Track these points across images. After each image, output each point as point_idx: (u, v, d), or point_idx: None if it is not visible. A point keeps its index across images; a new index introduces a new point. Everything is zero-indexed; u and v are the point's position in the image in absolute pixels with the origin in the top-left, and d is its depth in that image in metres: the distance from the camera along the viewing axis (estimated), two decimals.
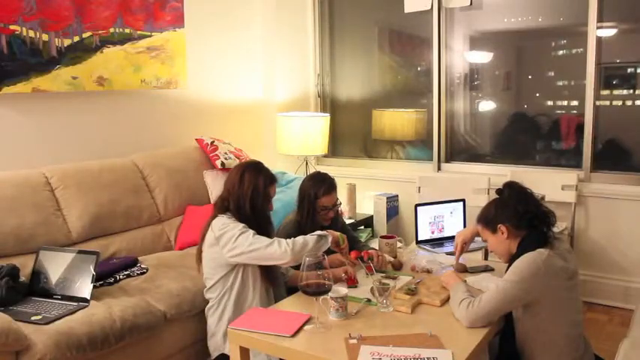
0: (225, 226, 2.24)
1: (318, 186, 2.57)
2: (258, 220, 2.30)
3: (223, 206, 2.34)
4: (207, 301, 2.43)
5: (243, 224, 2.23)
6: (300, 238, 2.20)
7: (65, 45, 3.11)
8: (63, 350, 2.08)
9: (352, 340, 1.86)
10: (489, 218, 2.10)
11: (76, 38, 3.16)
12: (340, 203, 2.69)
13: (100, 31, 3.27)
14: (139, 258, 2.94)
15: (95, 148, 3.34)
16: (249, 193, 2.29)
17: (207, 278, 2.37)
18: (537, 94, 3.94)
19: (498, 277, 2.15)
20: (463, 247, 2.41)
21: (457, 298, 2.03)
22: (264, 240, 2.18)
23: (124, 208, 3.09)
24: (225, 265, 2.28)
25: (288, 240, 2.18)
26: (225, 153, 3.64)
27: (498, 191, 2.13)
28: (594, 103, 3.52)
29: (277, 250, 2.16)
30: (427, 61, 4.16)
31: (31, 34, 2.95)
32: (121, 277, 2.69)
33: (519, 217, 2.02)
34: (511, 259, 2.04)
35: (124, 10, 3.38)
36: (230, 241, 2.21)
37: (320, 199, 2.56)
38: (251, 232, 2.21)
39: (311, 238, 2.21)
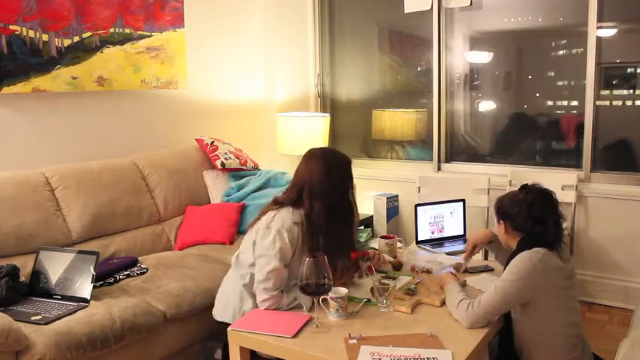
0: (267, 236, 2.14)
1: None
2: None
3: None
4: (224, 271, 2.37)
5: (281, 248, 2.11)
6: (283, 302, 2.12)
7: (65, 45, 3.11)
8: (63, 350, 2.08)
9: (352, 340, 1.86)
10: (499, 208, 2.13)
11: (76, 38, 3.16)
12: None
13: (100, 31, 3.27)
14: (139, 258, 2.94)
15: (95, 148, 3.34)
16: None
17: (245, 252, 2.28)
18: (537, 94, 3.94)
19: (498, 277, 2.15)
20: (473, 250, 2.41)
21: (454, 298, 2.03)
22: (267, 284, 2.11)
23: (124, 208, 3.09)
24: None
25: (271, 303, 2.11)
26: (225, 153, 3.64)
27: (520, 187, 2.13)
28: (594, 103, 3.52)
29: (258, 297, 2.13)
30: (427, 61, 4.16)
31: (31, 34, 2.95)
32: (120, 277, 2.69)
33: (521, 222, 2.04)
34: (509, 257, 2.05)
35: (124, 10, 3.38)
36: (258, 253, 2.16)
37: None
38: (272, 265, 2.11)
39: (289, 304, 2.13)
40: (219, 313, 2.35)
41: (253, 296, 2.23)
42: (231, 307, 2.28)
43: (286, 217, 2.15)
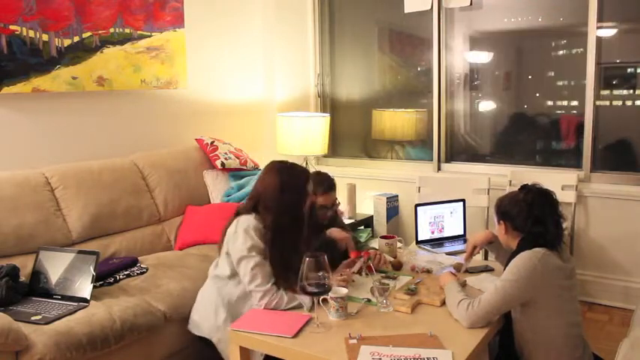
0: (237, 239, 2.21)
1: (317, 185, 2.57)
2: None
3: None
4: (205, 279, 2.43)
5: (253, 244, 2.18)
6: (284, 299, 2.14)
7: (65, 45, 3.11)
8: (63, 350, 2.08)
9: (352, 340, 1.86)
10: (499, 209, 2.13)
11: (76, 38, 3.16)
12: (339, 203, 2.69)
13: (100, 31, 3.27)
14: (139, 258, 2.94)
15: (95, 148, 3.34)
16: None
17: (221, 265, 2.34)
18: (537, 94, 3.94)
19: (498, 277, 2.15)
20: (473, 250, 2.41)
21: (454, 298, 2.04)
22: (256, 281, 2.16)
23: (124, 208, 3.09)
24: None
25: (271, 297, 2.14)
26: (225, 153, 3.64)
27: (520, 187, 2.14)
28: (594, 103, 3.52)
29: (255, 299, 2.16)
30: (427, 61, 4.16)
31: (31, 34, 2.95)
32: (120, 277, 2.69)
33: (521, 222, 2.04)
34: (509, 257, 2.05)
35: (124, 10, 3.38)
36: (235, 256, 2.21)
37: (318, 198, 2.54)
38: (253, 261, 2.17)
39: (289, 302, 2.15)
40: (195, 327, 2.39)
41: (228, 307, 2.27)
42: (207, 321, 2.33)
43: (249, 219, 2.23)
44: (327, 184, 2.59)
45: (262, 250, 2.20)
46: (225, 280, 2.31)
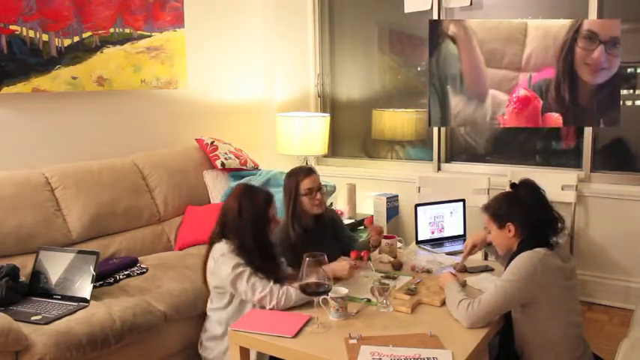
0: (220, 268, 2.24)
1: (297, 172, 2.59)
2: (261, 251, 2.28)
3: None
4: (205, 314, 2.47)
5: (236, 262, 2.21)
6: (291, 293, 2.14)
7: (65, 45, 3.11)
8: (63, 350, 2.08)
9: (352, 340, 1.86)
10: (499, 213, 2.10)
11: (76, 38, 3.16)
12: (325, 187, 2.72)
13: (100, 31, 3.27)
14: (139, 258, 2.94)
15: (95, 148, 3.34)
16: (249, 224, 2.26)
17: (215, 300, 2.38)
18: None
19: (498, 277, 2.15)
20: (472, 249, 2.41)
21: (454, 298, 2.03)
22: (258, 289, 2.16)
23: (124, 208, 3.09)
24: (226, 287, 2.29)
25: (279, 295, 2.14)
26: (225, 153, 3.64)
27: (513, 186, 2.12)
28: None
29: (266, 304, 2.16)
30: (427, 61, 4.15)
31: (31, 34, 2.95)
32: (120, 277, 2.69)
33: (529, 219, 2.03)
34: (510, 258, 2.05)
35: (123, 10, 3.38)
36: (228, 280, 2.23)
37: (302, 183, 2.54)
38: (246, 275, 2.19)
39: (297, 295, 2.15)
40: None
41: (226, 330, 2.28)
42: (214, 351, 2.37)
43: (221, 246, 2.27)
44: (306, 168, 2.66)
45: (245, 263, 2.22)
46: (221, 311, 2.34)
